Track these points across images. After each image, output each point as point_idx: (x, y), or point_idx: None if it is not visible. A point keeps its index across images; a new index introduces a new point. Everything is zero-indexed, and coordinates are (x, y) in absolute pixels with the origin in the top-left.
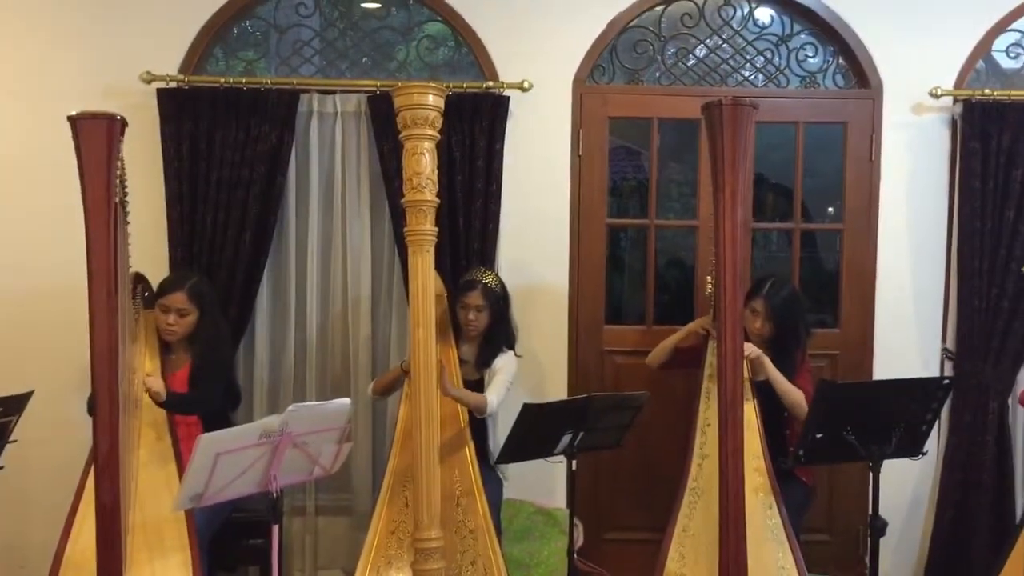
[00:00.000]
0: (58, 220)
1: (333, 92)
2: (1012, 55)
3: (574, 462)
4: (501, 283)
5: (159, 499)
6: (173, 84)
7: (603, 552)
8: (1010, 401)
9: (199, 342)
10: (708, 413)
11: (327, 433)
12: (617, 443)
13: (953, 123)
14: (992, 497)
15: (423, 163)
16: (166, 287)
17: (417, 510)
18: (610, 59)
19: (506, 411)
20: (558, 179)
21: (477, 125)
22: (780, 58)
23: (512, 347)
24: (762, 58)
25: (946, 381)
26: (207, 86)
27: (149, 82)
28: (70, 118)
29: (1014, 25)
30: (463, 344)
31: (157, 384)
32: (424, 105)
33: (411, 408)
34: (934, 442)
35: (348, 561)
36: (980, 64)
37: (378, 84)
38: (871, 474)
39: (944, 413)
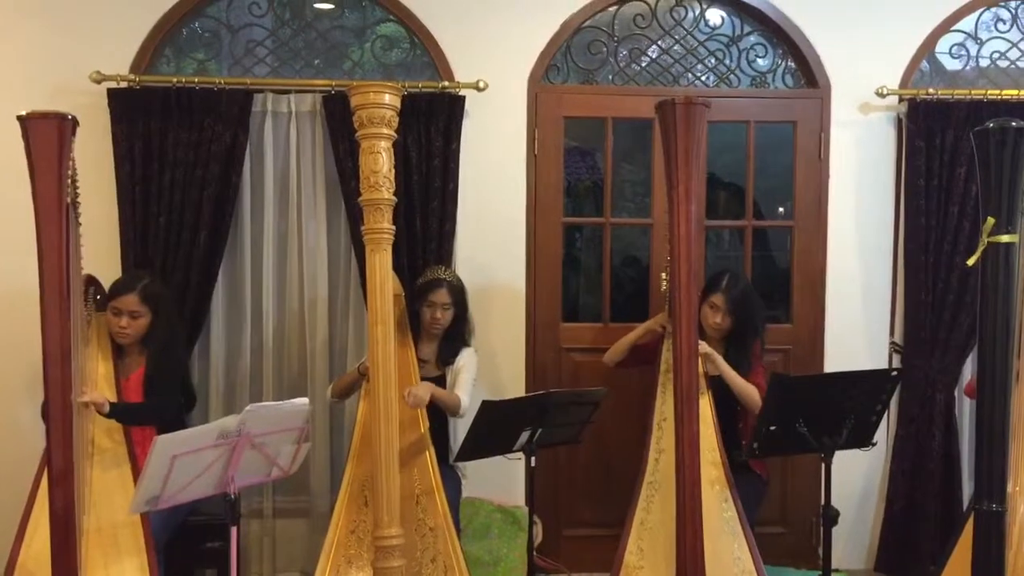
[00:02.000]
0: (7, 221)
1: (288, 92)
2: (955, 55)
3: (533, 459)
4: (460, 280)
5: (113, 502)
6: (124, 84)
7: (562, 548)
8: (956, 392)
9: (153, 345)
10: (664, 408)
11: (285, 433)
12: (575, 439)
13: (899, 122)
14: (940, 486)
15: (380, 162)
16: (118, 289)
17: (377, 509)
18: (564, 59)
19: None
20: (514, 178)
21: (433, 125)
22: (731, 59)
23: (469, 343)
24: (713, 58)
25: (894, 373)
26: (159, 86)
27: (99, 82)
28: (20, 118)
29: (957, 26)
30: (421, 343)
31: (96, 396)
32: (380, 104)
33: (370, 406)
34: (884, 433)
35: (307, 563)
36: (924, 64)
37: (333, 84)
38: (823, 465)
39: (893, 405)
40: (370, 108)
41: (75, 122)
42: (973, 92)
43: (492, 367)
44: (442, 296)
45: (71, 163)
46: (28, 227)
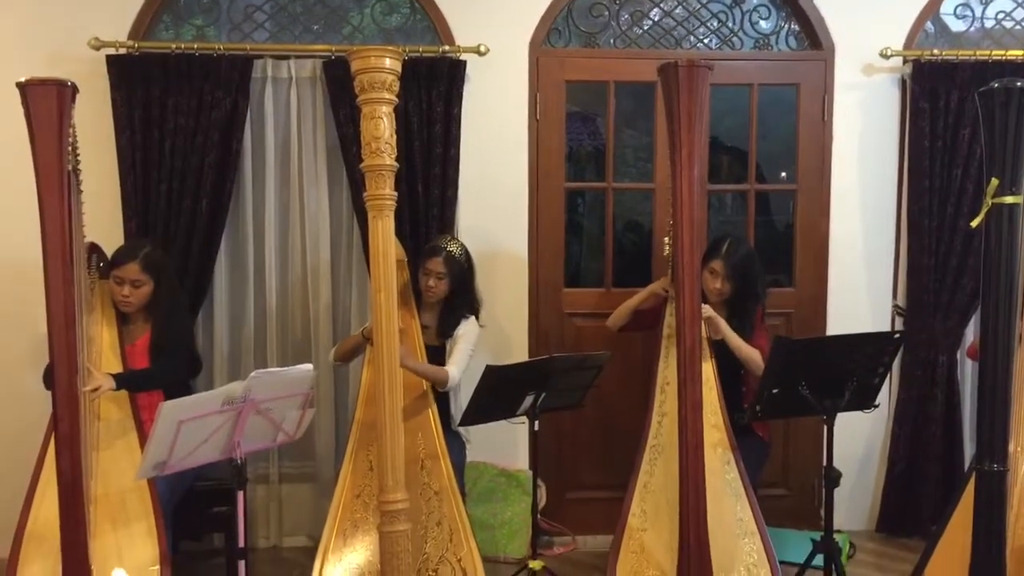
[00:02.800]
0: (8, 189)
1: (287, 58)
2: (960, 16)
3: (536, 423)
4: (466, 252)
5: (121, 469)
6: (123, 51)
7: (566, 511)
8: (959, 355)
9: (156, 313)
10: (667, 372)
11: (290, 399)
12: (578, 403)
13: (903, 83)
14: (941, 448)
15: (381, 127)
16: (119, 258)
17: (382, 473)
18: (566, 23)
19: (468, 374)
20: (516, 143)
21: (434, 90)
22: (734, 21)
23: (476, 315)
24: (716, 21)
25: (897, 336)
26: (158, 52)
27: (98, 48)
28: (19, 84)
29: None
30: (424, 311)
31: (100, 381)
32: (381, 69)
33: (374, 373)
34: (885, 396)
35: (313, 527)
36: (929, 25)
37: (333, 49)
38: (825, 427)
39: (895, 368)
40: (371, 72)
41: (75, 89)
42: (978, 53)
43: (495, 332)
44: (436, 265)
45: (71, 130)
46: (29, 195)
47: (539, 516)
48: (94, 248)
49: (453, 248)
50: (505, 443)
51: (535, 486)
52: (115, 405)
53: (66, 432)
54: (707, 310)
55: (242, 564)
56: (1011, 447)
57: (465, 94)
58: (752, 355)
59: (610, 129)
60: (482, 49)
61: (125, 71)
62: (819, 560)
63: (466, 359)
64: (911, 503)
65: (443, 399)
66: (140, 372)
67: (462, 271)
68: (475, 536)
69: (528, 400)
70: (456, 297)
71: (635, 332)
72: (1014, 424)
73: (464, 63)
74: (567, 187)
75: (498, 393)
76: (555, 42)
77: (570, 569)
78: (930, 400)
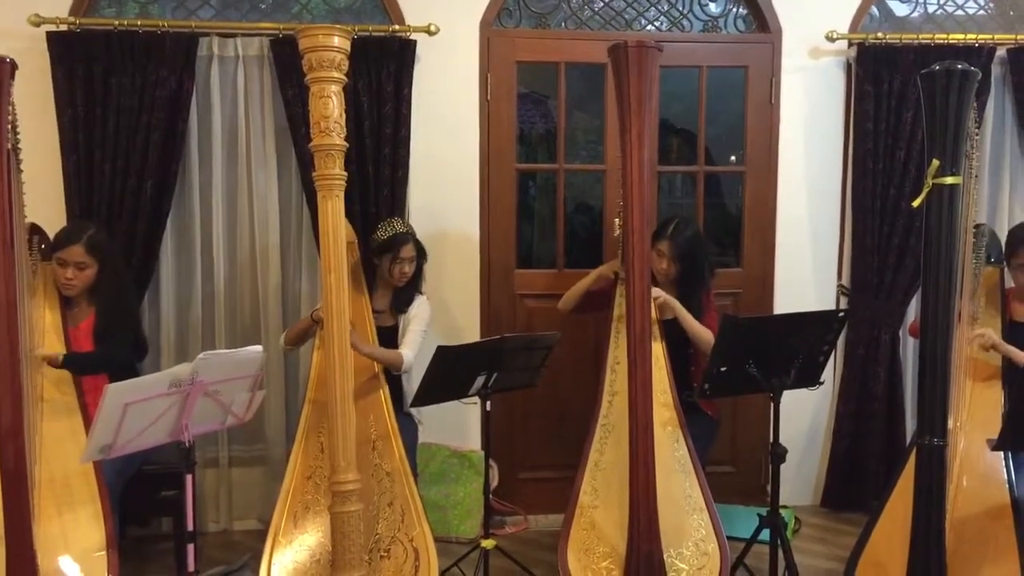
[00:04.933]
0: None
1: (234, 35)
2: (904, 1)
3: (488, 403)
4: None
5: (65, 452)
6: (63, 27)
7: (518, 491)
8: (901, 333)
9: (101, 295)
10: (617, 352)
11: (239, 381)
12: (530, 383)
13: (848, 67)
14: (884, 424)
15: (330, 107)
16: (62, 240)
17: (333, 454)
18: (517, 3)
19: (420, 355)
20: (467, 124)
21: (384, 70)
22: (683, 3)
23: (421, 291)
24: (666, 3)
25: (841, 314)
26: (100, 29)
27: (38, 25)
28: None
29: None
30: (376, 292)
31: (49, 352)
32: (330, 47)
33: (324, 354)
34: (830, 373)
35: (264, 510)
36: (874, 9)
37: (280, 27)
38: (772, 405)
39: (839, 346)
40: (319, 51)
41: (13, 65)
42: (921, 37)
43: (447, 313)
44: (409, 251)
45: (10, 108)
46: None
47: (491, 496)
48: (35, 229)
49: (412, 229)
50: (457, 424)
51: (487, 466)
52: (58, 388)
53: (8, 421)
54: (660, 294)
55: (191, 548)
56: (951, 422)
57: (416, 74)
58: (704, 335)
59: (561, 110)
60: (432, 29)
61: (66, 48)
62: (765, 535)
63: (420, 340)
64: (855, 478)
65: (395, 380)
66: (85, 355)
67: (423, 249)
68: (427, 516)
69: (480, 380)
70: (413, 276)
71: (586, 314)
72: (954, 400)
73: (414, 43)
74: (518, 168)
75: (450, 373)
76: (506, 22)
77: (522, 547)
78: (873, 377)
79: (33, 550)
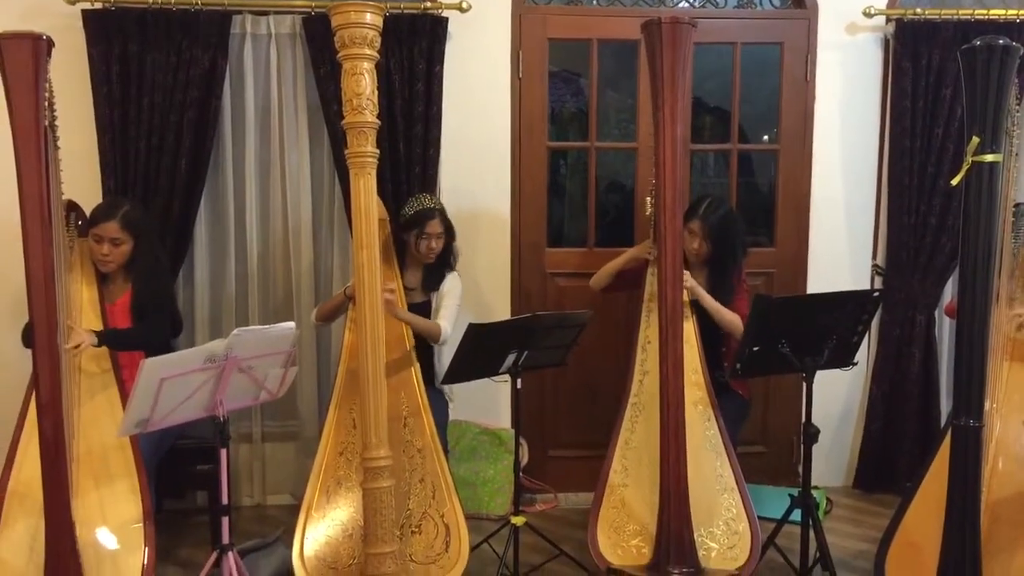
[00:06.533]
0: None
1: (266, 13)
2: None
3: (519, 381)
4: (443, 205)
5: (102, 427)
6: (99, 5)
7: (548, 469)
8: (937, 313)
9: (137, 271)
10: (648, 332)
11: (273, 357)
12: (561, 362)
13: (885, 42)
14: (918, 406)
15: (363, 84)
16: (98, 216)
17: (365, 430)
18: None
19: (453, 332)
20: (498, 102)
21: (416, 47)
22: None
23: (454, 268)
24: None
25: (876, 294)
26: (135, 7)
27: (74, 3)
28: None
29: None
30: (407, 270)
31: (82, 337)
32: (362, 24)
33: (357, 330)
34: (864, 354)
35: (296, 486)
36: None
37: (313, 4)
38: (804, 385)
39: (874, 327)
40: (352, 28)
41: (50, 42)
42: (960, 12)
43: (478, 291)
44: (435, 226)
45: (48, 85)
46: (6, 153)
47: (521, 474)
48: (72, 206)
49: (440, 206)
50: (488, 402)
51: (517, 444)
52: (96, 363)
53: (48, 393)
54: (688, 279)
55: (225, 521)
56: (987, 404)
57: (447, 52)
58: (733, 320)
59: (593, 87)
60: (464, 6)
61: (102, 26)
62: (797, 515)
63: (455, 313)
64: (887, 460)
65: (426, 357)
66: (122, 331)
67: (451, 226)
68: (458, 493)
69: (511, 358)
70: (444, 253)
71: (618, 292)
72: (990, 381)
73: (446, 20)
74: (550, 146)
75: (481, 351)
76: None
77: (552, 525)
78: (908, 358)
79: (71, 522)
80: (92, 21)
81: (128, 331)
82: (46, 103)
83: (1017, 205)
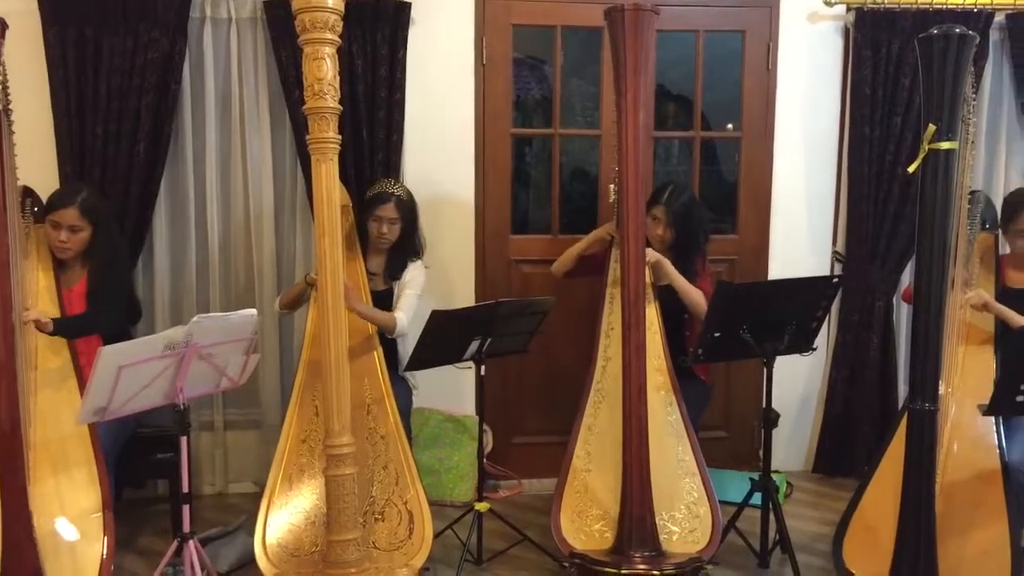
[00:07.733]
0: None
1: None
2: None
3: (483, 368)
4: (410, 194)
5: (60, 415)
6: None
7: (512, 456)
8: (895, 299)
9: (95, 259)
10: (611, 318)
11: (234, 344)
12: (524, 348)
13: (846, 32)
14: (877, 391)
15: (324, 68)
16: (55, 202)
17: (327, 417)
18: None
19: (415, 319)
20: (462, 88)
21: (379, 33)
22: None
23: (420, 257)
24: None
25: (835, 280)
26: None
27: None
28: None
29: None
30: (370, 256)
31: (39, 315)
32: (324, 8)
33: (319, 318)
34: (824, 339)
35: (259, 474)
36: None
37: None
38: (765, 370)
39: (833, 313)
40: (312, 11)
41: (4, 24)
42: (919, 1)
43: (442, 279)
44: (388, 211)
45: (1, 69)
46: None
47: (485, 461)
48: (28, 192)
49: (400, 192)
50: (451, 389)
51: (481, 431)
52: (53, 352)
53: (3, 383)
54: (653, 254)
55: (186, 509)
56: (942, 388)
57: (411, 37)
58: (697, 298)
59: (557, 74)
60: None
61: (58, 8)
62: (757, 499)
63: (414, 304)
64: (846, 444)
65: (390, 344)
66: (77, 317)
67: (411, 214)
68: (422, 480)
69: (474, 345)
70: (404, 240)
71: (580, 278)
72: (945, 365)
73: (409, 5)
74: (514, 133)
75: (444, 338)
76: None
77: (516, 511)
78: (866, 344)
79: (29, 512)
80: (47, 3)
81: (83, 316)
82: (0, 87)
83: (973, 192)
